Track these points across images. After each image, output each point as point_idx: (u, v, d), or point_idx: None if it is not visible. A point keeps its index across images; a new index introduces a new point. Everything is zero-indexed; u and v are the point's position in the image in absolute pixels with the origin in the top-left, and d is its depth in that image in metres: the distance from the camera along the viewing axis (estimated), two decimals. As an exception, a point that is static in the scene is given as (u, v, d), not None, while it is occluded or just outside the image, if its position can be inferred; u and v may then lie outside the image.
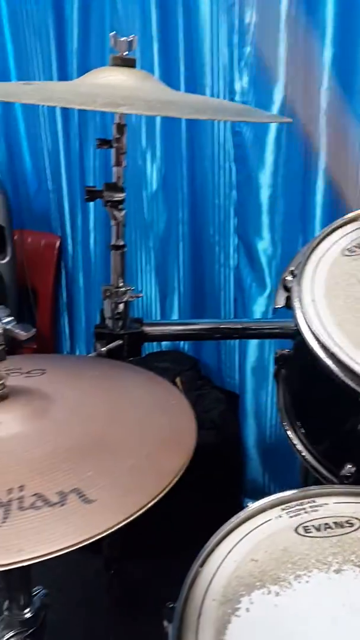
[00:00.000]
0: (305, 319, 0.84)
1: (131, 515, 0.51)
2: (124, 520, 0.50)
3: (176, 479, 0.58)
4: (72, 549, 0.48)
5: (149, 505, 0.53)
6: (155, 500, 0.54)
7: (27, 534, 0.49)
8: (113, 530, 0.49)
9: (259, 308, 1.76)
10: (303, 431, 1.03)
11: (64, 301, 2.31)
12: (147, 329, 1.22)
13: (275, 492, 1.95)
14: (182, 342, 2.09)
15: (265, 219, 1.67)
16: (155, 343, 2.02)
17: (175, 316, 2.06)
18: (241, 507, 1.97)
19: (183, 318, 2.05)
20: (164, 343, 2.06)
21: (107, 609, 1.38)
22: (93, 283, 2.15)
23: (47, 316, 2.24)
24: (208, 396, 1.91)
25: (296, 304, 0.87)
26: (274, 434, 1.88)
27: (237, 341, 1.89)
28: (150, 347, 2.06)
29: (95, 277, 2.14)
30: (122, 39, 0.94)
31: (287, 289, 0.93)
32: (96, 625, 1.54)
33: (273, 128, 1.57)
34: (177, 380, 1.95)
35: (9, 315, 0.66)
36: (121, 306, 1.17)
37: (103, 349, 1.14)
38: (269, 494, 1.96)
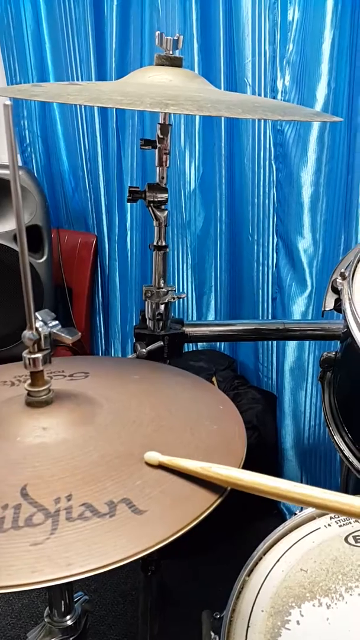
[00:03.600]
0: (357, 322, 0.81)
1: (184, 527, 0.50)
2: (177, 532, 0.49)
3: (229, 488, 0.57)
4: (124, 562, 0.46)
5: (203, 516, 0.51)
6: (209, 511, 0.52)
7: (77, 546, 0.47)
8: (166, 542, 0.48)
9: (298, 308, 1.73)
10: (350, 436, 1.00)
11: (100, 301, 2.31)
12: (188, 329, 1.20)
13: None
14: (219, 342, 2.08)
15: (306, 218, 1.63)
16: (191, 341, 2.00)
17: (211, 315, 2.05)
18: (277, 509, 1.95)
19: (220, 317, 2.03)
20: (200, 342, 2.05)
21: (144, 610, 1.37)
22: (129, 283, 2.15)
23: (83, 315, 2.24)
24: (245, 396, 1.89)
25: (347, 306, 0.84)
26: (312, 435, 1.85)
27: (275, 341, 1.86)
28: (186, 346, 2.05)
29: (132, 277, 2.14)
30: (168, 37, 0.92)
31: (337, 291, 0.90)
32: (133, 627, 1.54)
33: (316, 126, 1.54)
34: (214, 379, 1.93)
35: (54, 319, 0.65)
36: (162, 307, 1.15)
37: (143, 350, 1.13)
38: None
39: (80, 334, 0.65)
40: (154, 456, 0.58)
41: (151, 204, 1.06)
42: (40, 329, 0.61)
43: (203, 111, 0.72)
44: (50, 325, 0.63)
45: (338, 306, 0.91)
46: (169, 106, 0.71)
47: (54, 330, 0.63)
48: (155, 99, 0.74)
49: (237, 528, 1.61)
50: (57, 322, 0.64)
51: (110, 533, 0.49)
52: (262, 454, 1.84)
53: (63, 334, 0.64)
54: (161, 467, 0.57)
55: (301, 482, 1.89)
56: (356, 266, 0.90)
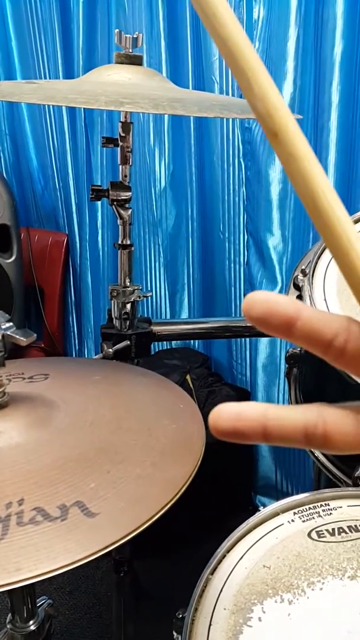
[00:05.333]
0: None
1: (136, 529, 0.49)
2: (128, 535, 0.49)
3: (184, 488, 0.56)
4: (73, 567, 0.45)
5: (155, 517, 0.51)
6: (162, 512, 0.52)
7: (26, 551, 0.47)
8: (117, 545, 0.47)
9: (269, 304, 1.73)
10: (315, 432, 1.01)
11: (72, 300, 2.30)
12: (156, 328, 1.20)
13: (286, 489, 1.95)
14: (192, 339, 2.08)
15: (275, 215, 1.64)
16: (165, 339, 2.00)
17: (185, 313, 2.05)
18: (252, 505, 1.96)
19: (193, 315, 2.03)
20: (174, 340, 2.05)
21: (117, 612, 1.37)
22: (101, 281, 2.14)
23: (55, 315, 2.23)
24: (219, 393, 1.90)
25: (307, 302, 0.84)
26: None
27: (247, 338, 1.87)
28: (160, 344, 2.05)
29: (104, 276, 2.13)
30: (127, 35, 0.92)
31: (298, 288, 0.90)
32: (106, 629, 1.53)
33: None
34: (188, 377, 1.94)
35: (8, 321, 0.64)
36: (128, 306, 1.14)
37: (110, 349, 1.12)
38: (281, 491, 1.96)
39: (35, 335, 0.65)
40: None
41: (114, 203, 1.06)
42: (-8, 332, 0.61)
43: (158, 109, 0.71)
44: (3, 327, 0.62)
45: (300, 303, 0.92)
46: (124, 104, 0.71)
47: (8, 332, 0.62)
48: (110, 97, 0.73)
49: (212, 525, 1.62)
50: (10, 323, 0.63)
51: (60, 537, 0.48)
52: (237, 451, 1.85)
53: (17, 336, 0.63)
54: (113, 472, 0.56)
55: (275, 478, 1.90)
56: (316, 263, 0.90)
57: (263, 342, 1.80)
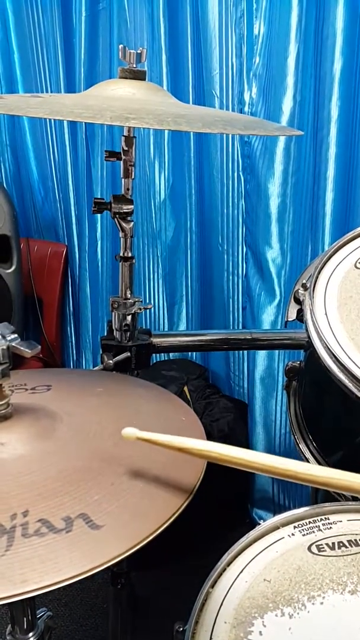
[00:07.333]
0: (318, 332, 0.82)
1: (140, 542, 0.49)
2: (133, 547, 0.49)
3: (187, 502, 0.57)
4: (78, 579, 0.46)
5: (159, 530, 0.51)
6: (166, 525, 0.52)
7: (32, 562, 0.47)
8: (122, 557, 0.48)
9: (268, 317, 1.74)
10: (315, 445, 1.01)
11: (71, 310, 2.30)
12: (156, 340, 1.20)
13: (284, 503, 1.94)
14: (190, 351, 2.08)
15: (274, 229, 1.65)
16: (162, 351, 2.01)
17: (183, 324, 2.05)
18: (249, 517, 1.95)
19: (191, 326, 2.04)
20: (171, 352, 2.05)
21: (114, 624, 1.36)
22: (100, 292, 2.14)
23: (53, 325, 2.23)
24: (217, 405, 1.90)
25: (308, 317, 0.85)
26: (283, 443, 1.86)
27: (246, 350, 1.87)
28: (158, 355, 2.05)
29: (102, 286, 2.13)
30: (131, 51, 0.93)
31: (299, 302, 0.91)
32: (104, 641, 1.52)
33: (282, 138, 1.56)
34: (185, 389, 1.94)
35: (13, 332, 0.65)
36: (129, 318, 1.15)
37: (110, 361, 1.12)
38: (278, 504, 1.96)
39: (39, 347, 0.65)
40: (131, 432, 0.58)
41: (117, 216, 1.07)
42: (-3, 343, 0.61)
43: (163, 125, 0.72)
44: (8, 338, 0.63)
45: (300, 316, 0.93)
46: (129, 120, 0.72)
47: (13, 344, 0.63)
48: (116, 112, 0.74)
49: (209, 538, 1.61)
50: (15, 335, 0.63)
51: (65, 549, 0.48)
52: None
53: (22, 348, 0.63)
54: (116, 484, 0.56)
55: (272, 491, 1.90)
56: (317, 277, 0.91)
57: (261, 355, 1.80)
